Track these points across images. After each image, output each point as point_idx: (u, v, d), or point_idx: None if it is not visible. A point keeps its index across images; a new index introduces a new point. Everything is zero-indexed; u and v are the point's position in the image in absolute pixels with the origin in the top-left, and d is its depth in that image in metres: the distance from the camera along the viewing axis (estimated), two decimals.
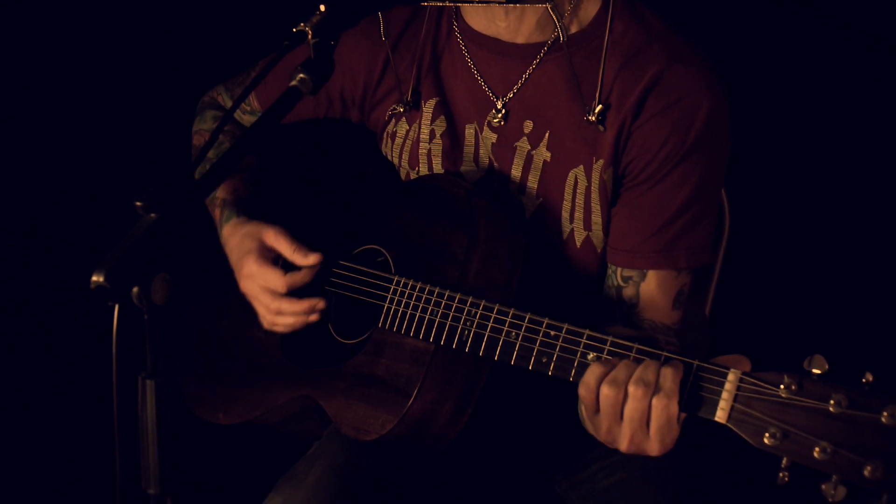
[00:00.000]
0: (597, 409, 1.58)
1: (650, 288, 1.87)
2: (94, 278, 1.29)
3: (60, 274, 2.62)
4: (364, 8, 1.53)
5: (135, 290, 1.33)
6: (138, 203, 1.32)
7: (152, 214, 1.32)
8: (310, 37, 1.44)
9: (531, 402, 2.01)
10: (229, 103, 2.21)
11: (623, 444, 1.58)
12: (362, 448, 1.87)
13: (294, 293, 1.93)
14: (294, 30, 1.45)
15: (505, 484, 2.06)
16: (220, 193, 2.09)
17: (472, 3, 1.77)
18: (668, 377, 1.53)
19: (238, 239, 2.00)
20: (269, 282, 1.92)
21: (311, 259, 1.91)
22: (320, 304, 1.91)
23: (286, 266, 1.94)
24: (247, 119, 2.23)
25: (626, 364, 1.57)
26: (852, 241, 2.53)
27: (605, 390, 1.56)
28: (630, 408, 1.54)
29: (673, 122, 1.81)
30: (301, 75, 1.42)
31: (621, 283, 1.89)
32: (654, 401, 1.53)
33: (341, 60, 1.97)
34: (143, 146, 2.68)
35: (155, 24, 2.72)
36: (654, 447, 1.56)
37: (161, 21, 2.73)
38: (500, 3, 1.75)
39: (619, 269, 1.89)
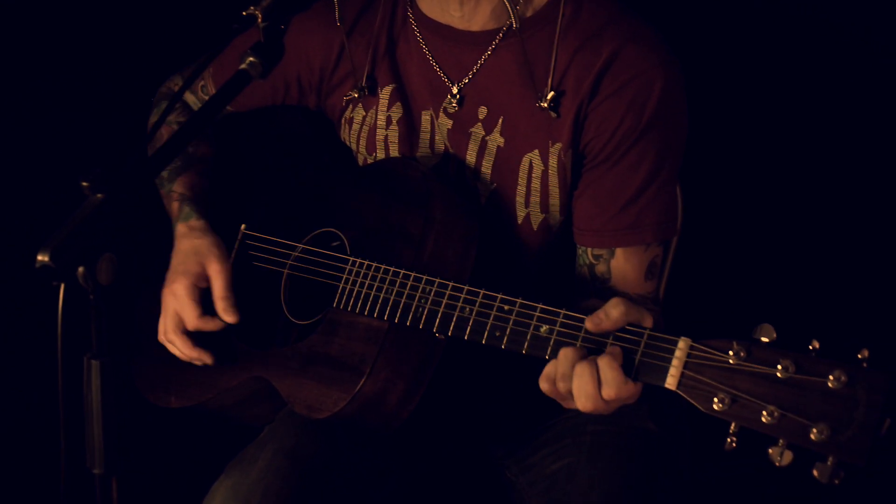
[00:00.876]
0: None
1: (621, 263, 1.92)
2: (40, 258, 1.30)
3: (4, 254, 2.60)
4: None
5: (80, 270, 1.34)
6: (84, 183, 1.33)
7: (98, 195, 1.33)
8: (259, 20, 1.45)
9: (483, 387, 2.04)
10: (187, 94, 2.22)
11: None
12: (314, 431, 1.88)
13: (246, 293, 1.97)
14: (244, 13, 1.45)
15: (456, 467, 2.09)
16: (178, 188, 2.09)
17: None
18: (606, 368, 1.59)
19: (187, 247, 2.01)
20: (183, 312, 1.96)
21: (228, 317, 1.95)
22: (207, 359, 1.97)
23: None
24: (190, 99, 2.23)
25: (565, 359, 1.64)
26: (801, 222, 2.59)
27: (545, 386, 1.65)
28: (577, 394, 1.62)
29: (628, 101, 1.85)
30: (251, 58, 1.43)
31: (593, 261, 1.93)
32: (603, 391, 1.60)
33: (297, 46, 2.02)
34: (85, 128, 2.65)
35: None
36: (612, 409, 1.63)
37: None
38: None
39: (588, 249, 1.94)
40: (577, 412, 1.65)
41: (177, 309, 1.97)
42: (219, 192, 2.14)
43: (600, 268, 1.93)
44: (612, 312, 1.62)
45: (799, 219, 2.58)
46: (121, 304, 2.01)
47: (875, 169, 2.54)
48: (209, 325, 1.96)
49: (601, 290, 1.93)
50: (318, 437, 1.90)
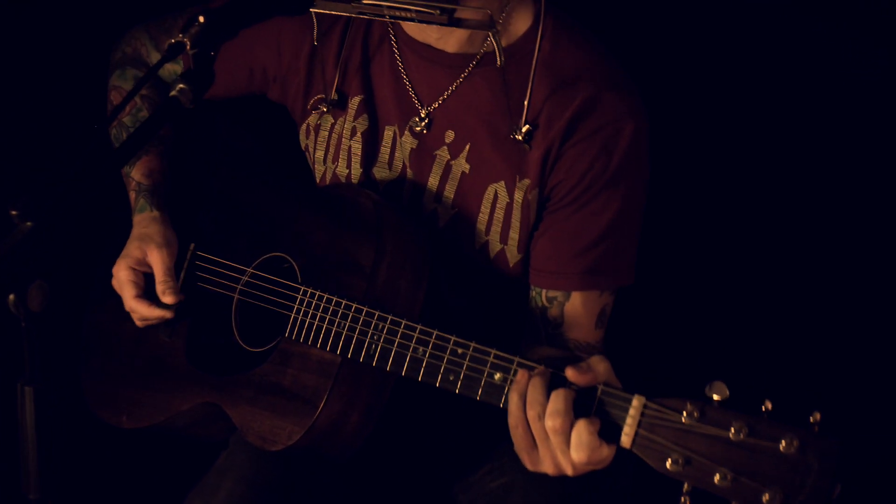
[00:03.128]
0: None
1: (574, 308, 1.95)
2: None
3: None
4: (245, 20, 1.56)
5: (11, 297, 1.38)
6: (13, 212, 1.35)
7: (28, 223, 1.36)
8: (188, 48, 1.47)
9: (434, 412, 2.07)
10: (153, 54, 2.21)
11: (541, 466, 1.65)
12: (271, 459, 1.92)
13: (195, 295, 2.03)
14: (172, 41, 1.48)
15: (410, 493, 2.12)
16: (136, 175, 2.13)
17: (411, 20, 1.80)
18: (559, 399, 1.59)
19: (136, 234, 2.08)
20: (122, 293, 2.06)
21: (167, 298, 2.03)
22: (167, 314, 2.03)
23: None
24: (169, 69, 2.22)
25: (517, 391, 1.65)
26: (756, 263, 2.59)
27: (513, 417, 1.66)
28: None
29: (598, 147, 1.89)
30: (181, 86, 1.45)
31: (546, 304, 1.96)
32: (547, 422, 1.59)
33: (270, 35, 2.06)
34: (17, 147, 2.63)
35: None
36: (566, 467, 1.62)
37: None
38: (441, 24, 1.78)
39: (543, 291, 1.97)
40: None
41: (118, 290, 2.05)
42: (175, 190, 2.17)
43: (553, 311, 1.96)
44: (599, 367, 1.62)
45: (752, 267, 2.57)
46: (65, 323, 2.09)
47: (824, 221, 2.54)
48: (143, 308, 2.03)
49: (552, 335, 1.96)
50: (276, 466, 1.95)
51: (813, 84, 2.45)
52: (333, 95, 2.05)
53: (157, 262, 2.04)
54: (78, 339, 2.20)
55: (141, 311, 2.03)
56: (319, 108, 2.06)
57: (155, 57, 2.21)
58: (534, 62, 1.92)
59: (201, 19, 1.48)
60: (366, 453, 1.93)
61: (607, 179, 1.90)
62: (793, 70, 2.46)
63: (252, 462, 1.96)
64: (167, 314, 2.03)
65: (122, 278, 2.04)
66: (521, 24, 1.96)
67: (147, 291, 2.05)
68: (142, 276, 2.05)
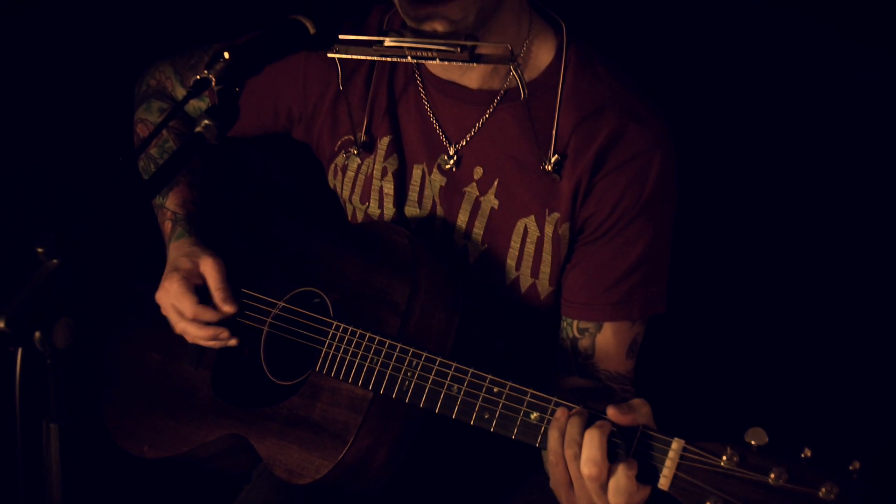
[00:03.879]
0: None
1: (606, 339, 1.94)
2: None
3: None
4: (269, 57, 1.57)
5: (37, 334, 1.37)
6: (39, 249, 1.36)
7: (54, 260, 1.36)
8: (213, 84, 1.47)
9: (462, 445, 2.05)
10: (178, 89, 2.23)
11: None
12: (295, 492, 1.91)
13: (225, 325, 2.00)
14: (198, 77, 1.48)
15: None
16: (171, 205, 2.13)
17: (433, 60, 1.81)
18: (594, 446, 1.59)
19: (178, 253, 2.07)
20: (179, 304, 2.00)
21: (227, 307, 2.00)
22: (223, 333, 1.99)
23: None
24: (193, 105, 2.23)
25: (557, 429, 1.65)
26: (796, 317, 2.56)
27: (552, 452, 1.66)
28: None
29: (629, 178, 1.89)
30: (206, 122, 1.45)
31: (577, 335, 1.96)
32: (583, 469, 1.59)
33: (296, 76, 2.07)
34: (43, 182, 2.64)
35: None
36: None
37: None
38: (464, 61, 1.79)
39: (574, 322, 1.96)
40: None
41: (173, 303, 2.01)
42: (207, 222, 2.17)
43: (584, 342, 1.95)
44: (641, 409, 1.63)
45: (794, 314, 2.55)
46: (87, 356, 2.09)
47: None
48: (208, 314, 1.99)
49: (583, 366, 1.96)
50: (299, 499, 1.95)
51: (814, 89, 2.43)
52: (362, 137, 2.05)
53: (212, 270, 2.01)
54: (99, 370, 2.20)
55: (205, 315, 1.99)
56: (348, 150, 2.07)
57: (179, 90, 2.23)
58: (559, 94, 1.93)
59: (226, 56, 1.49)
60: (392, 485, 1.92)
61: (639, 210, 1.90)
62: (794, 76, 2.44)
63: (276, 495, 1.96)
64: (221, 332, 1.99)
65: (176, 289, 1.99)
66: (543, 56, 1.96)
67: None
68: (194, 286, 2.01)
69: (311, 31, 1.64)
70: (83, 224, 1.38)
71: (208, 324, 2.00)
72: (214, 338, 2.00)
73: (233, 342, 2.00)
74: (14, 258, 1.98)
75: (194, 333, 2.00)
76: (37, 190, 2.60)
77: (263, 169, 2.21)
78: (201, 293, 2.02)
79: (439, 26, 1.81)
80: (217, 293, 2.00)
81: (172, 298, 2.01)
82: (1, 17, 2.51)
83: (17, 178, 2.62)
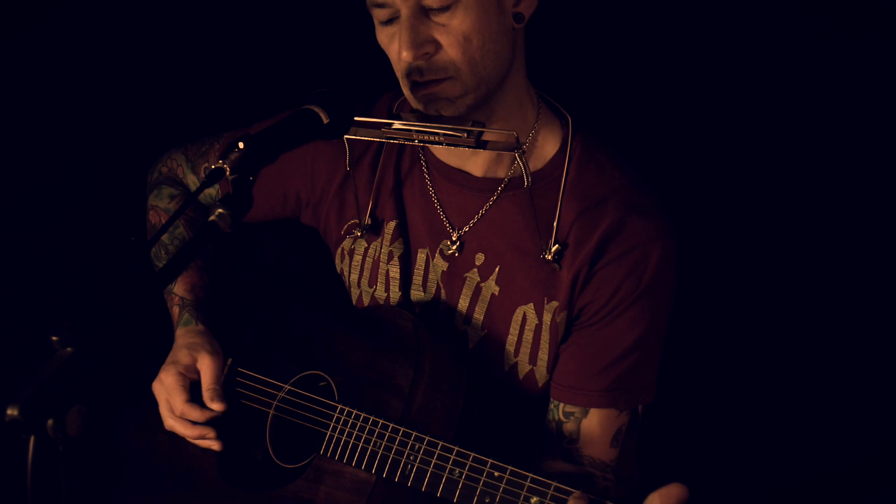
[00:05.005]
0: None
1: (591, 425, 1.98)
2: (9, 412, 1.35)
3: None
4: (284, 146, 1.61)
5: (49, 422, 1.40)
6: (54, 338, 1.38)
7: (68, 348, 1.39)
8: (228, 173, 1.51)
9: None
10: (189, 176, 2.29)
11: None
12: None
13: (232, 408, 2.03)
14: (213, 166, 1.52)
15: None
16: (179, 290, 2.16)
17: (439, 144, 1.87)
18: None
19: (181, 344, 2.10)
20: (171, 398, 2.04)
21: (215, 405, 2.03)
22: (210, 434, 2.02)
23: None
24: (205, 191, 2.22)
25: None
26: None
27: None
28: None
29: (627, 268, 1.94)
30: (220, 210, 1.48)
31: (562, 419, 1.99)
32: None
33: (304, 160, 2.12)
34: (58, 268, 2.66)
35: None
36: None
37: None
38: (469, 146, 1.85)
39: (561, 405, 2.00)
40: None
41: (165, 397, 2.05)
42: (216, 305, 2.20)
43: (569, 426, 1.98)
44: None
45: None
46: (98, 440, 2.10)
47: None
48: (195, 413, 2.02)
49: (567, 450, 1.99)
50: None
51: (815, 95, 2.45)
52: (368, 220, 2.10)
53: (207, 368, 2.05)
54: (108, 453, 2.22)
55: (191, 415, 2.02)
56: (353, 233, 2.12)
57: (190, 177, 2.28)
58: (562, 185, 1.98)
59: (241, 146, 1.52)
60: None
61: (634, 299, 1.94)
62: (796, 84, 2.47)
63: None
64: (208, 433, 2.02)
65: (171, 383, 2.03)
66: (549, 147, 2.02)
67: (193, 399, 2.05)
68: (189, 382, 2.05)
69: (325, 120, 1.68)
70: (97, 313, 1.41)
71: (196, 423, 2.03)
72: (200, 437, 2.03)
73: (216, 446, 2.03)
74: (27, 344, 2.00)
75: (181, 431, 2.04)
76: (50, 276, 2.62)
77: (270, 252, 2.26)
78: (196, 389, 2.05)
79: (443, 109, 1.87)
80: (207, 392, 2.03)
81: (166, 392, 2.04)
82: (12, 110, 2.56)
83: (30, 263, 2.63)
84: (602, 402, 1.97)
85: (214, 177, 1.50)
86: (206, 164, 2.26)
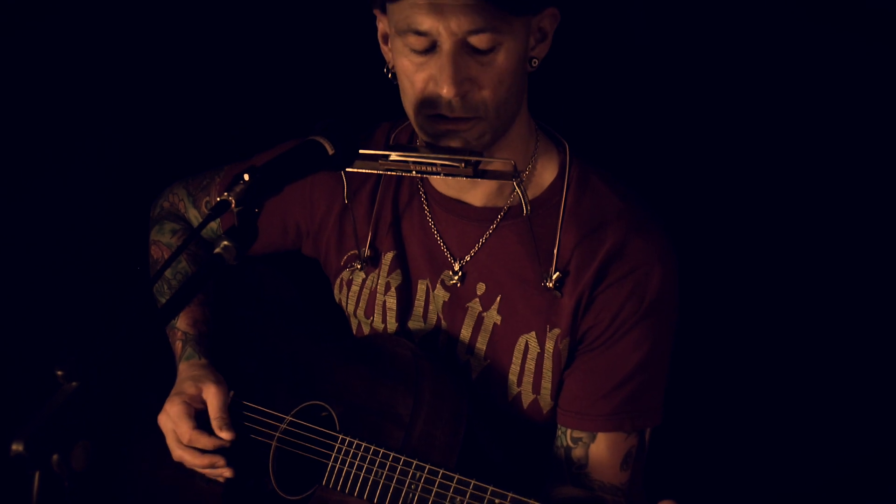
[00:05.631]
0: None
1: (599, 450, 1.98)
2: (14, 447, 1.35)
3: None
4: (289, 178, 1.62)
5: (55, 458, 1.40)
6: (59, 372, 1.38)
7: (73, 383, 1.39)
8: (233, 206, 1.52)
9: None
10: (190, 210, 2.30)
11: None
12: None
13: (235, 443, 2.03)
14: (217, 199, 1.52)
15: None
16: (182, 325, 2.17)
17: (437, 174, 1.87)
18: None
19: (185, 376, 2.10)
20: (178, 428, 2.03)
21: (224, 434, 2.02)
22: (220, 462, 2.01)
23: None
24: (208, 227, 2.27)
25: None
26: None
27: None
28: None
29: (628, 291, 1.95)
30: (225, 243, 1.49)
31: (570, 444, 1.99)
32: None
33: (303, 191, 2.13)
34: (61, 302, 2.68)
35: None
36: None
37: None
38: (467, 176, 1.85)
39: (568, 430, 2.00)
40: None
41: (172, 427, 2.04)
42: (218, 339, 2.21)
43: (577, 452, 1.98)
44: None
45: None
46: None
47: None
48: (203, 440, 2.01)
49: (576, 475, 1.99)
50: None
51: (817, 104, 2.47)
52: (367, 252, 2.11)
53: (214, 397, 2.04)
54: (113, 488, 2.21)
55: (200, 442, 2.01)
56: (352, 265, 2.12)
57: (192, 211, 2.29)
58: (561, 212, 1.99)
59: (246, 178, 1.53)
60: None
61: (637, 320, 1.95)
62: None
63: None
64: (218, 461, 2.01)
65: (176, 413, 2.02)
66: (547, 175, 2.03)
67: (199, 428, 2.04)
68: (195, 412, 2.04)
69: (330, 151, 1.68)
70: (103, 347, 1.41)
71: (205, 451, 2.02)
72: (210, 466, 2.03)
73: (227, 473, 2.02)
74: (31, 377, 2.01)
75: (190, 461, 2.03)
76: (55, 307, 2.63)
77: (270, 283, 2.26)
78: (202, 419, 2.04)
79: (454, 143, 1.88)
80: (215, 420, 2.03)
81: (172, 422, 2.04)
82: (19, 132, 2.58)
83: (35, 293, 2.65)
84: (609, 426, 1.96)
85: (219, 210, 1.51)
86: (208, 198, 2.27)
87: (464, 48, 1.81)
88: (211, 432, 2.03)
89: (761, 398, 2.57)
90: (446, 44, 1.80)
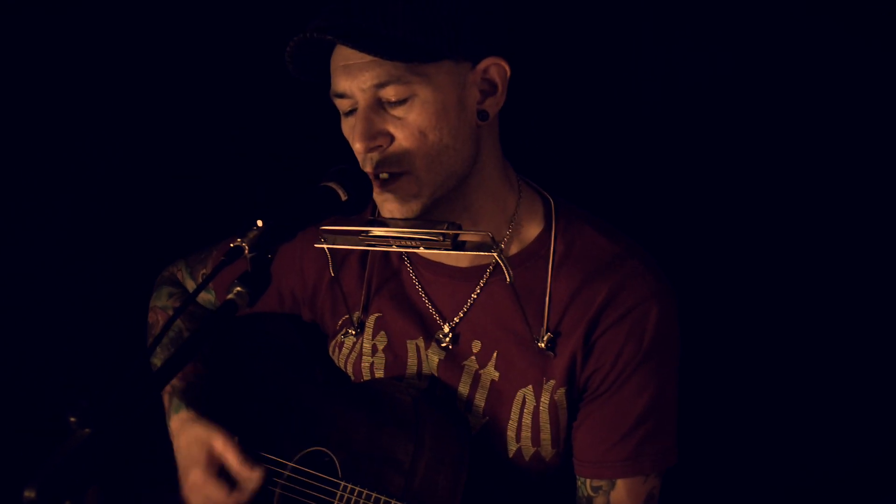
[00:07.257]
0: None
1: (620, 496, 1.97)
2: (26, 494, 1.36)
3: None
4: (301, 223, 1.64)
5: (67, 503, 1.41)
6: (72, 419, 1.40)
7: (86, 430, 1.40)
8: (246, 252, 1.54)
9: None
10: (188, 281, 2.33)
11: None
12: None
13: None
14: (231, 245, 1.54)
15: None
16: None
17: (416, 249, 1.86)
18: None
19: (186, 441, 2.10)
20: (212, 497, 2.01)
21: (256, 473, 2.00)
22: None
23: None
24: (203, 297, 2.33)
25: None
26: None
27: None
28: None
29: (626, 331, 1.94)
30: (238, 289, 1.51)
31: (591, 494, 1.99)
32: None
33: (294, 259, 2.16)
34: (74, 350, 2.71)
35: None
36: None
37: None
38: (446, 250, 1.84)
39: (587, 480, 1.99)
40: None
41: (206, 495, 2.02)
42: (210, 392, 2.22)
43: (599, 500, 1.98)
44: None
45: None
46: None
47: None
48: (244, 497, 2.00)
49: None
50: None
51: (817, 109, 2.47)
52: (359, 317, 2.13)
53: (227, 450, 2.03)
54: None
55: (245, 494, 1.99)
56: (346, 330, 2.14)
57: (189, 282, 2.33)
58: (550, 264, 1.99)
59: (259, 223, 1.55)
60: None
61: (640, 361, 1.94)
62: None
63: None
64: (255, 489, 1.99)
65: (203, 483, 2.01)
66: (532, 228, 2.03)
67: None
68: (216, 471, 2.03)
69: (343, 197, 1.71)
70: (114, 393, 1.42)
71: None
72: None
73: None
74: (43, 421, 2.01)
75: None
76: (65, 353, 2.65)
77: (273, 329, 2.28)
78: (223, 474, 2.04)
79: (398, 211, 1.88)
80: (242, 467, 2.01)
81: (204, 494, 2.02)
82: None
83: (45, 337, 2.68)
84: (626, 472, 1.96)
85: (233, 256, 1.52)
86: (204, 270, 2.31)
87: (377, 103, 1.86)
88: (233, 483, 2.02)
89: (762, 399, 2.58)
90: (361, 101, 1.86)
